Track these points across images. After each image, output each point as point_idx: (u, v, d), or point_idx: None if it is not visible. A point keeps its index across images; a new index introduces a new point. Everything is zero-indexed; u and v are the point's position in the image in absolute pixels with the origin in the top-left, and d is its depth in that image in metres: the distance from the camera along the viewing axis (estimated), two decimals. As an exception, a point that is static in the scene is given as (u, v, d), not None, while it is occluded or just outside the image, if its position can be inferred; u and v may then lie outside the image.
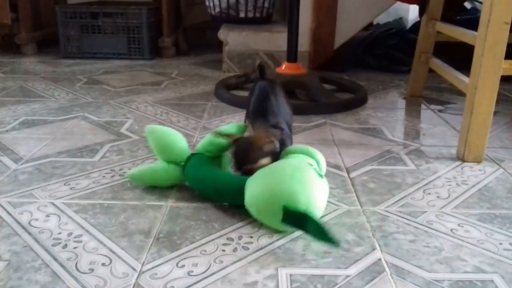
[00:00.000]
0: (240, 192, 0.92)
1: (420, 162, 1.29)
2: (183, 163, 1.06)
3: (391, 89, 2.13)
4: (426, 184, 1.15)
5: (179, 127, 1.51)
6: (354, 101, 1.85)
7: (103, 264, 0.80)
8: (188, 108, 1.73)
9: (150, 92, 1.96)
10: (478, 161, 1.29)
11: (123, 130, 1.48)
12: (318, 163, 1.01)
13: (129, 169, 1.19)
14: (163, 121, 1.57)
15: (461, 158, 1.31)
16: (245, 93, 1.94)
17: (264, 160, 0.97)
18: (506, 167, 1.27)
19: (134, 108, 1.72)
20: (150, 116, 1.63)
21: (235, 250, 0.85)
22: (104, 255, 0.83)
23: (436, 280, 0.78)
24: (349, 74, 2.33)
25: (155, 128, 1.11)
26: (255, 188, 0.89)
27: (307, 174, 0.89)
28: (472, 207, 1.04)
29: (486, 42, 1.22)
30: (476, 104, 1.26)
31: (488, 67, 1.24)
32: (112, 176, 1.14)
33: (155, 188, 1.09)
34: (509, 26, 1.21)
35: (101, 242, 0.87)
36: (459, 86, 1.44)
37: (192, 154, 1.07)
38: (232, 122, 1.51)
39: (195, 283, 0.76)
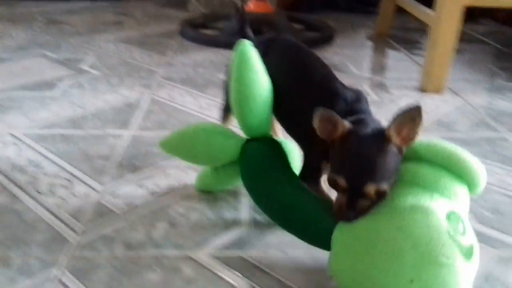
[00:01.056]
0: (323, 235, 0.57)
1: (383, 94, 1.30)
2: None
3: (359, 29, 2.12)
4: (388, 114, 1.16)
5: (142, 64, 1.48)
6: (321, 39, 1.84)
7: (63, 186, 0.79)
8: (152, 46, 1.68)
9: (113, 31, 1.90)
10: (439, 91, 1.31)
11: (83, 66, 1.44)
12: (474, 186, 0.56)
13: (91, 102, 1.16)
14: (125, 58, 1.53)
15: (423, 89, 1.33)
16: (212, 32, 1.90)
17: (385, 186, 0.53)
18: (466, 97, 1.30)
19: (95, 46, 1.66)
20: (112, 53, 1.58)
21: (197, 171, 0.85)
22: (65, 178, 0.82)
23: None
24: (318, 15, 2.30)
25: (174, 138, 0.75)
26: (350, 261, 0.53)
27: (446, 273, 0.48)
28: (431, 131, 1.07)
29: (450, -29, 1.22)
30: (439, 35, 1.27)
31: (451, -3, 1.24)
32: (72, 109, 1.12)
33: (117, 117, 1.07)
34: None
35: (61, 167, 0.86)
36: (425, 19, 1.44)
37: (250, 141, 0.70)
38: (199, 61, 1.48)
39: (158, 200, 0.76)
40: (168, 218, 0.72)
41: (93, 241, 0.67)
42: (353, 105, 0.62)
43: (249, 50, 0.66)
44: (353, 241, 0.53)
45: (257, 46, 0.72)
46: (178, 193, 0.79)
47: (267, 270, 0.63)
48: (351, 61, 1.60)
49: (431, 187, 0.54)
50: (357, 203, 0.53)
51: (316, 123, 0.55)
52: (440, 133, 1.06)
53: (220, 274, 0.62)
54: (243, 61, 0.65)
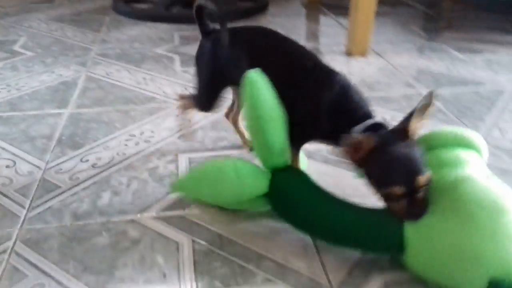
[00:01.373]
0: (389, 238, 0.61)
1: (313, 59, 1.38)
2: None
3: (293, -3, 2.18)
4: (317, 77, 1.25)
5: (76, 42, 1.48)
6: (255, 8, 1.89)
7: (7, 166, 0.82)
8: (84, 23, 1.67)
9: (43, 9, 1.86)
10: (363, 54, 1.41)
11: (16, 47, 1.42)
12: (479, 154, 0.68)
13: (26, 83, 1.17)
14: (58, 37, 1.52)
15: (348, 52, 1.42)
16: (145, 6, 1.90)
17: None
18: (389, 58, 1.40)
19: (26, 26, 1.63)
20: (44, 32, 1.56)
21: (137, 143, 0.90)
22: (7, 159, 0.85)
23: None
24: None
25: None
26: (435, 245, 0.57)
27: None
28: (355, 92, 1.16)
29: None
30: (359, 1, 1.35)
31: (369, -37, 1.32)
32: (8, 91, 1.12)
33: (55, 97, 1.09)
34: None
35: (3, 149, 0.88)
36: (348, -15, 1.52)
37: (277, 173, 0.69)
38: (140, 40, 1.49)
39: (100, 172, 0.81)
40: (111, 188, 0.77)
41: (42, 214, 0.71)
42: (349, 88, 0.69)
43: (259, 78, 0.66)
44: (427, 229, 0.58)
45: (226, 39, 0.74)
46: (119, 164, 0.84)
47: (206, 225, 0.70)
48: (285, 30, 1.65)
49: (456, 163, 0.63)
50: (416, 199, 0.58)
51: (344, 152, 0.59)
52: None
53: (163, 232, 0.68)
54: (257, 89, 0.65)
